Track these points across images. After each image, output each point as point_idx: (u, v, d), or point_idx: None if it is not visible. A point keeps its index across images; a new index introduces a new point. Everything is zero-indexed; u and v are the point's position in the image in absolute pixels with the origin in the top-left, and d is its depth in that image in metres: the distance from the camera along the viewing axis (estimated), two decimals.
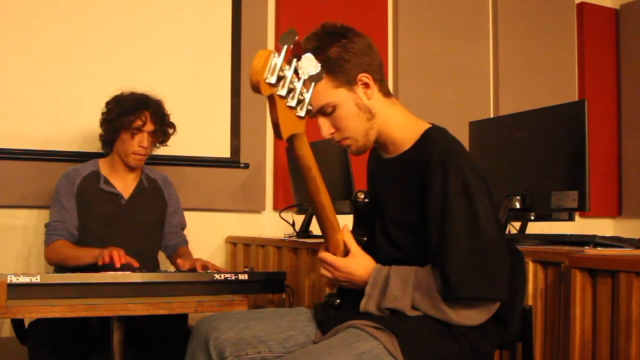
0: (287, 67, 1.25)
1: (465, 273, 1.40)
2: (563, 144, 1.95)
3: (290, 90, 1.27)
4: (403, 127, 1.58)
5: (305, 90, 1.31)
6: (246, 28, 3.35)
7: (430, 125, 1.58)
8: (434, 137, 1.53)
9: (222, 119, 3.29)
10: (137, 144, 2.44)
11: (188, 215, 2.76)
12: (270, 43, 3.46)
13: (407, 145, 1.57)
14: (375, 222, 1.62)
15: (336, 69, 1.52)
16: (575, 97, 4.11)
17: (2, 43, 2.88)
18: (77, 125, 2.91)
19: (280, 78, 1.24)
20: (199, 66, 3.24)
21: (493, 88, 4.01)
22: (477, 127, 2.36)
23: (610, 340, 1.55)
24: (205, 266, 2.25)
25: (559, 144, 1.97)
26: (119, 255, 2.10)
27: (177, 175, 3.01)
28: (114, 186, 2.50)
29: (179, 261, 2.34)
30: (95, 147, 2.65)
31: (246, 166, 3.33)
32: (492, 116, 3.85)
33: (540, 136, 2.04)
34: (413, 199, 1.50)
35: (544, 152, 2.01)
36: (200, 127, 3.22)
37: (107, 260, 2.09)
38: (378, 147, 1.67)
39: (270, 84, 1.22)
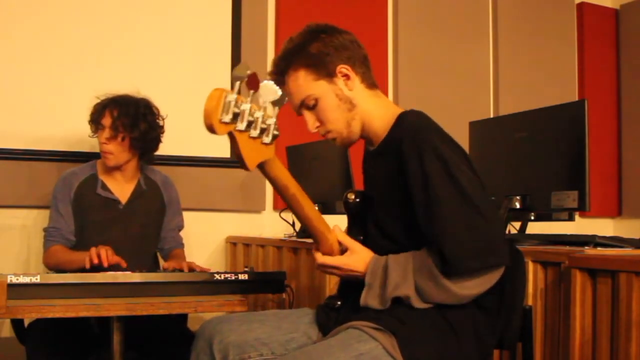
0: (243, 101, 1.26)
1: (462, 248, 1.40)
2: (563, 144, 1.95)
3: (251, 122, 1.29)
4: (382, 117, 1.61)
5: (269, 117, 1.33)
6: (246, 28, 3.36)
7: (404, 111, 1.60)
8: (405, 121, 1.56)
9: None
10: (99, 140, 2.43)
11: (188, 215, 2.76)
12: (270, 43, 3.46)
13: (384, 134, 1.59)
14: (367, 219, 1.63)
15: (317, 63, 1.57)
16: (575, 97, 4.11)
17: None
18: (75, 125, 2.90)
19: (236, 114, 1.25)
20: (198, 66, 3.24)
21: (493, 88, 4.01)
22: (477, 127, 2.36)
23: (610, 340, 1.55)
24: (191, 268, 2.24)
25: (559, 144, 1.97)
26: (106, 255, 2.10)
27: (177, 175, 3.00)
28: (111, 191, 2.49)
29: (165, 264, 2.35)
30: (92, 147, 2.64)
31: None
32: (492, 116, 3.85)
33: (540, 136, 2.04)
34: (396, 186, 1.51)
35: (544, 152, 2.01)
36: (200, 127, 3.18)
37: (95, 260, 2.09)
38: (366, 142, 1.69)
39: (226, 123, 1.24)
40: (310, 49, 1.57)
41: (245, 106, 1.27)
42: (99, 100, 2.48)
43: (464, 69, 3.90)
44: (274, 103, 1.33)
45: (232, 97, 1.24)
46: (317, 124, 1.61)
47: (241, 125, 1.27)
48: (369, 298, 1.49)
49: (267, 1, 3.47)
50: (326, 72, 1.57)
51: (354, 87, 1.59)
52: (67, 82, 2.97)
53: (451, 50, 3.87)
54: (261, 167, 1.39)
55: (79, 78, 2.98)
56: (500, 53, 4.00)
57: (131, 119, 2.43)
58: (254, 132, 1.30)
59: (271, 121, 1.33)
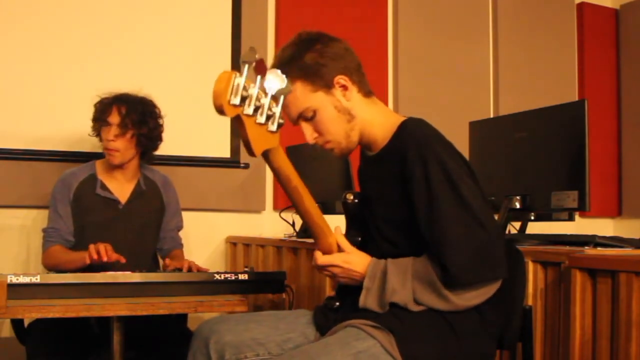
0: (251, 85, 1.25)
1: (463, 260, 1.40)
2: (563, 144, 1.95)
3: (257, 108, 1.28)
4: (382, 125, 1.60)
5: (274, 105, 1.31)
6: (246, 28, 3.35)
7: (405, 118, 1.59)
8: (408, 129, 1.55)
9: (222, 119, 3.26)
10: (105, 138, 2.43)
11: (188, 215, 2.76)
12: (270, 43, 3.46)
13: (385, 141, 1.59)
14: (367, 221, 1.63)
15: (313, 74, 1.55)
16: (575, 97, 4.11)
17: None
18: (75, 125, 2.91)
19: (244, 98, 1.24)
20: (199, 66, 3.24)
21: (493, 88, 4.01)
22: (477, 127, 2.36)
23: (610, 340, 1.55)
24: (190, 268, 2.24)
25: (559, 144, 1.97)
26: (105, 251, 2.10)
27: (177, 175, 3.01)
28: (111, 191, 2.48)
29: (167, 262, 2.35)
30: (93, 147, 2.64)
31: (246, 166, 3.33)
32: (492, 116, 3.85)
33: (540, 136, 2.04)
34: (397, 194, 1.51)
35: (544, 152, 2.01)
36: (200, 127, 3.22)
37: (94, 256, 2.09)
38: (363, 147, 1.68)
39: (234, 105, 1.23)
40: (306, 59, 1.55)
41: (253, 91, 1.25)
42: (101, 99, 2.47)
43: (464, 69, 3.90)
44: (279, 92, 1.30)
45: (241, 80, 1.22)
46: (316, 135, 1.60)
47: (248, 110, 1.26)
48: (368, 301, 1.50)
49: (267, 1, 3.47)
50: (323, 83, 1.56)
51: (351, 98, 1.58)
52: (67, 82, 2.97)
53: (451, 50, 3.87)
54: (266, 155, 1.37)
55: (79, 78, 2.98)
56: (500, 53, 4.00)
57: (140, 116, 2.44)
58: (261, 118, 1.29)
59: (276, 109, 1.32)
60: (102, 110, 2.44)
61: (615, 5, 4.40)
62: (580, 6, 4.27)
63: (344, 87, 1.57)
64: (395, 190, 1.52)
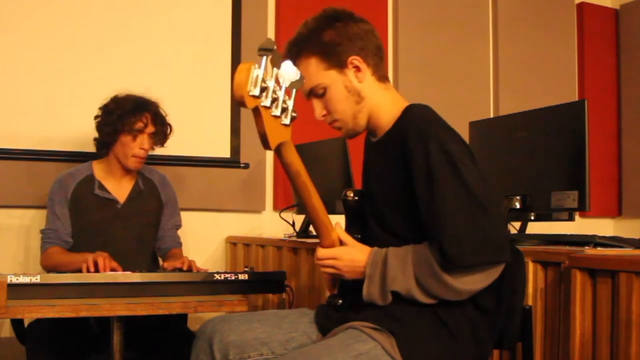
0: (268, 77, 1.25)
1: (461, 242, 1.38)
2: (563, 144, 1.95)
3: (274, 100, 1.28)
4: (389, 110, 1.60)
5: (287, 98, 1.32)
6: (246, 28, 3.36)
7: (410, 104, 1.60)
8: (411, 113, 1.55)
9: (222, 119, 3.29)
10: (138, 146, 2.41)
11: (188, 215, 2.75)
12: None
13: (389, 126, 1.59)
14: (367, 218, 1.63)
15: (329, 52, 1.57)
16: (575, 97, 4.11)
17: None
18: (74, 126, 2.91)
19: (263, 89, 1.24)
20: (198, 66, 3.24)
21: (493, 88, 4.01)
22: (477, 127, 2.36)
23: (610, 340, 1.55)
24: (189, 266, 2.24)
25: (559, 144, 1.97)
26: (104, 263, 2.09)
27: (177, 175, 3.01)
28: (109, 191, 2.48)
29: (165, 264, 2.34)
30: (92, 147, 2.64)
31: (246, 166, 3.33)
32: (492, 116, 3.85)
33: (540, 136, 2.04)
34: (398, 177, 1.51)
35: (544, 152, 2.01)
36: (200, 127, 3.22)
37: (92, 268, 2.08)
38: (368, 133, 1.69)
39: (254, 96, 1.23)
40: (324, 36, 1.57)
41: (270, 83, 1.26)
42: (122, 101, 2.44)
43: (464, 69, 3.90)
44: (293, 85, 1.31)
45: (260, 71, 1.22)
46: (324, 112, 1.61)
47: (266, 102, 1.26)
48: (371, 290, 1.49)
49: (267, 1, 3.48)
50: (337, 62, 1.57)
51: (364, 79, 1.59)
52: (67, 82, 2.97)
53: (451, 50, 3.87)
54: (279, 149, 1.37)
55: (79, 78, 2.98)
56: (500, 53, 4.00)
57: (167, 125, 2.50)
58: (276, 111, 1.29)
59: (290, 102, 1.32)
60: (136, 117, 2.40)
61: (615, 5, 4.40)
62: (580, 6, 4.27)
63: (357, 68, 1.58)
64: (397, 175, 1.52)
